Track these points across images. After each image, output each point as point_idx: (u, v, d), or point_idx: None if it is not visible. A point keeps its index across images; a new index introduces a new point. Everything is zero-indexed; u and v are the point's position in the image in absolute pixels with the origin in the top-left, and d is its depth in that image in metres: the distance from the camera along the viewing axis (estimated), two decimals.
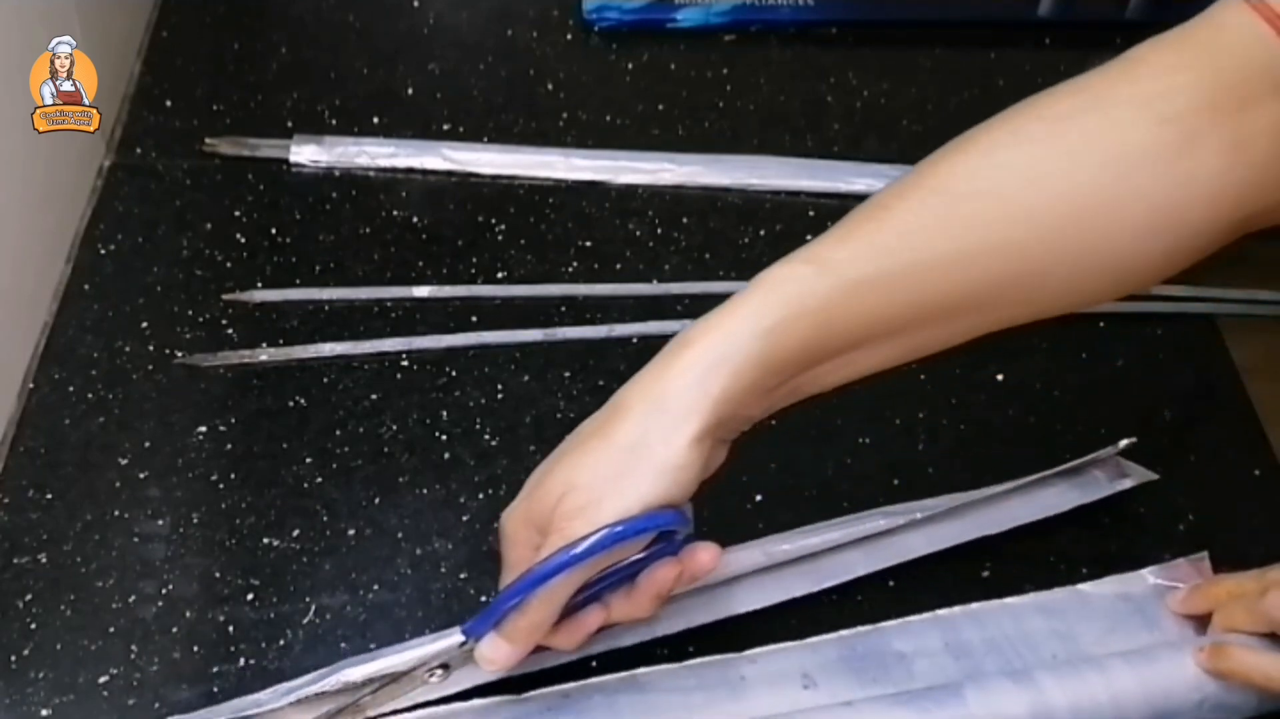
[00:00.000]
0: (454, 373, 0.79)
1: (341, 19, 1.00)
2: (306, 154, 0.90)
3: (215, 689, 0.65)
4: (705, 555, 0.61)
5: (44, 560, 0.69)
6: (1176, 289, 0.84)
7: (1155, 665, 0.63)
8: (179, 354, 0.78)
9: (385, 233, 0.86)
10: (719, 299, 0.60)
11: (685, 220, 0.88)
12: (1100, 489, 0.73)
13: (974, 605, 0.68)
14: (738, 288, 0.60)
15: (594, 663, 0.65)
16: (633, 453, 0.58)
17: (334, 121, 0.93)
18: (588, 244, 0.87)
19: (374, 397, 0.78)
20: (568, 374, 0.79)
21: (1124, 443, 0.73)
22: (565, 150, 0.91)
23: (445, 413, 0.77)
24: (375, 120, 0.93)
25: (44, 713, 0.64)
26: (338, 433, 0.76)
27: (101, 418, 0.75)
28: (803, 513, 0.73)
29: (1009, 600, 0.68)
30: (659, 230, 0.88)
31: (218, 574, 0.69)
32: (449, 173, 0.90)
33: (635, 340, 0.81)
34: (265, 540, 0.71)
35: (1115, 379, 0.81)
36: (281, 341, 0.80)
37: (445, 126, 0.93)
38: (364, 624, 0.68)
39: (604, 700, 0.63)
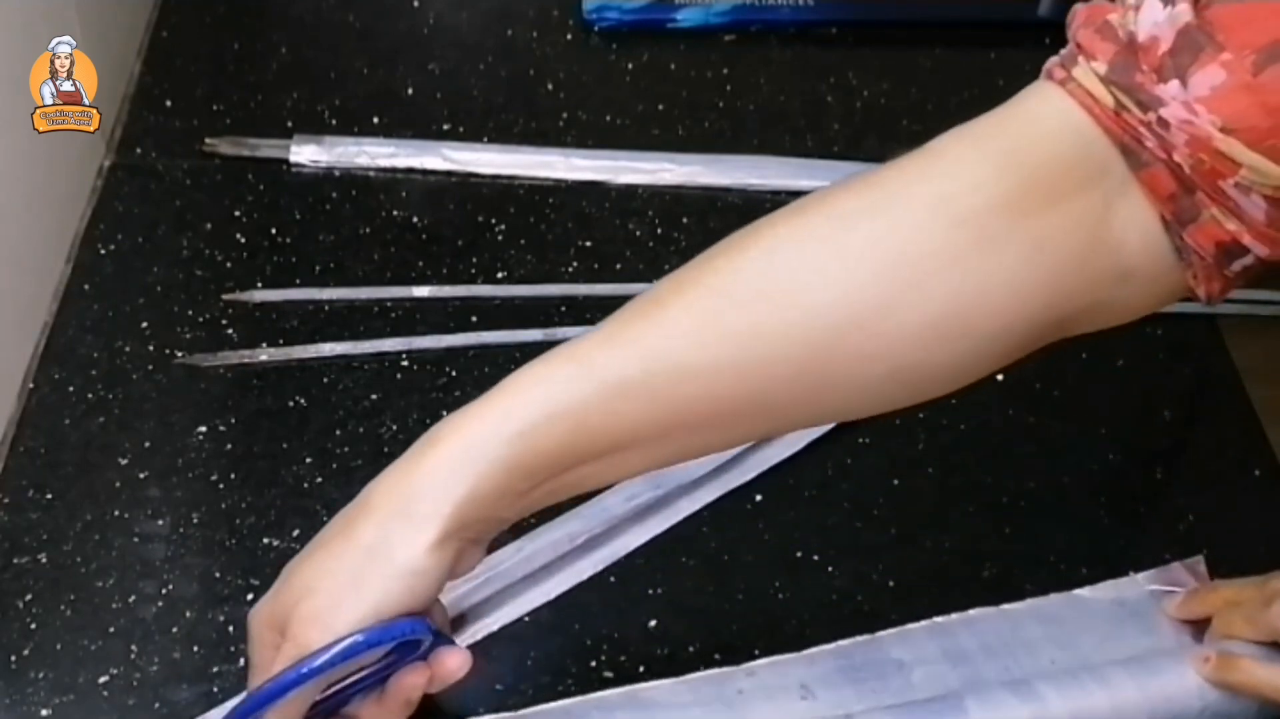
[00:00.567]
0: (454, 373, 0.79)
1: (341, 19, 1.00)
2: (306, 154, 0.90)
3: (215, 689, 0.65)
4: (453, 661, 0.59)
5: (44, 560, 0.69)
6: None
7: (1157, 676, 0.63)
8: (179, 354, 0.78)
9: (385, 233, 0.86)
10: None
11: (685, 220, 0.88)
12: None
13: (971, 612, 0.67)
14: None
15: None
16: (371, 556, 0.55)
17: (334, 121, 0.92)
18: (588, 244, 0.87)
19: (374, 397, 0.78)
20: None
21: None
22: (565, 150, 0.91)
23: (445, 413, 0.74)
24: (375, 120, 0.93)
25: (44, 713, 0.64)
26: (338, 433, 0.76)
27: (101, 418, 0.75)
28: (803, 512, 0.73)
29: (1006, 607, 0.68)
30: (659, 230, 0.88)
31: (218, 574, 0.69)
32: (449, 173, 0.90)
33: None
34: (265, 540, 0.71)
35: (1115, 379, 0.81)
36: (281, 342, 0.80)
37: (445, 126, 0.93)
38: None
39: (602, 717, 0.62)
